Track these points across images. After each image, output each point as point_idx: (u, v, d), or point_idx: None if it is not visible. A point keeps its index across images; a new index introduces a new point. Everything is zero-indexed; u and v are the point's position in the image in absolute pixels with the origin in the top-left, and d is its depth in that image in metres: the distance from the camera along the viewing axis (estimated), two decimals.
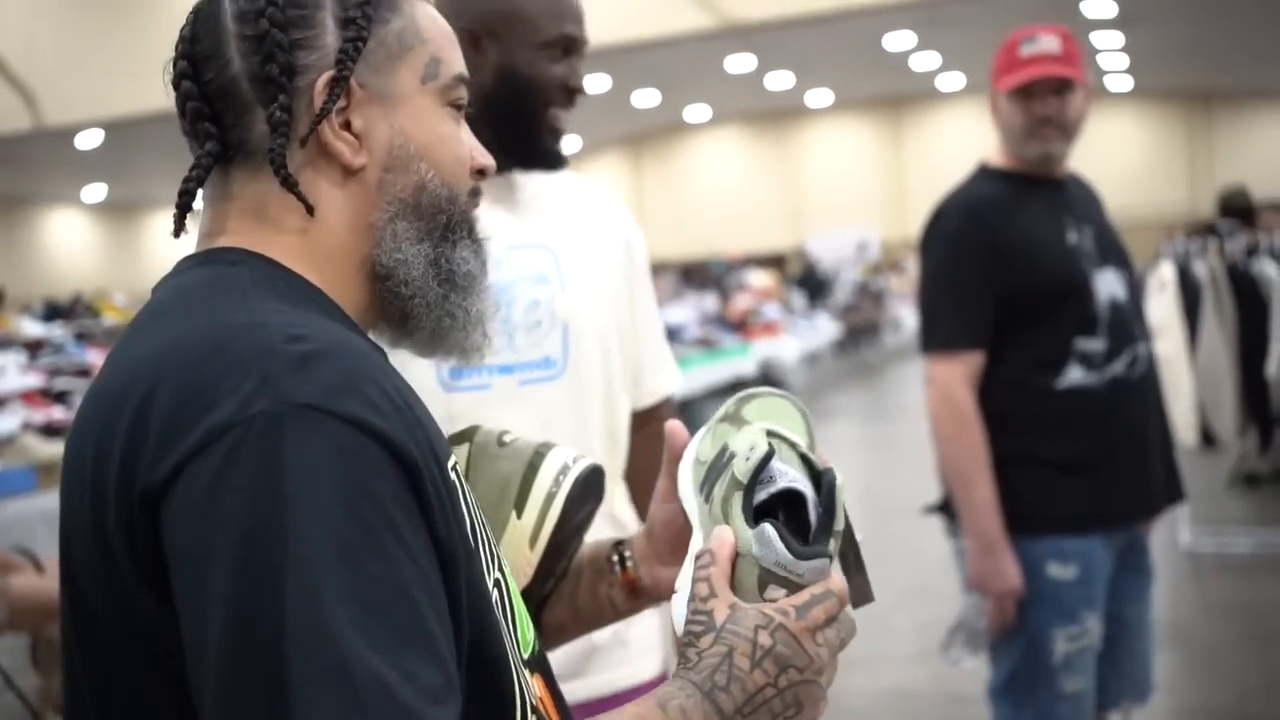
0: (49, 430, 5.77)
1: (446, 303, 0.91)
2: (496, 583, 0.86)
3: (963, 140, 19.96)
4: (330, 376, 0.74)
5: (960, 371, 2.35)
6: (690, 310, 12.16)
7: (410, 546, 0.73)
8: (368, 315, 0.91)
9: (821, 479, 0.90)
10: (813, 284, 17.96)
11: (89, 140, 17.79)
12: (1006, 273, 2.33)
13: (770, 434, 0.95)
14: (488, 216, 1.53)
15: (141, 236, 25.13)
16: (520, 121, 1.55)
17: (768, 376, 13.54)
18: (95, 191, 24.04)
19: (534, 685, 0.89)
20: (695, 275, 16.79)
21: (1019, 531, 2.32)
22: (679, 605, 0.89)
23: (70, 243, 25.06)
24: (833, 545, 0.88)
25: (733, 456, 0.93)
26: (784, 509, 0.91)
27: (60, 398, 6.28)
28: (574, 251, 1.62)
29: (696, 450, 1.00)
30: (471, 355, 0.94)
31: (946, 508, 2.49)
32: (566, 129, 1.59)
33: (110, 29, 14.18)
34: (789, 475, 0.91)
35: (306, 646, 0.68)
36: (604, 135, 25.16)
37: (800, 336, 14.48)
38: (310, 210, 0.86)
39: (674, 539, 1.05)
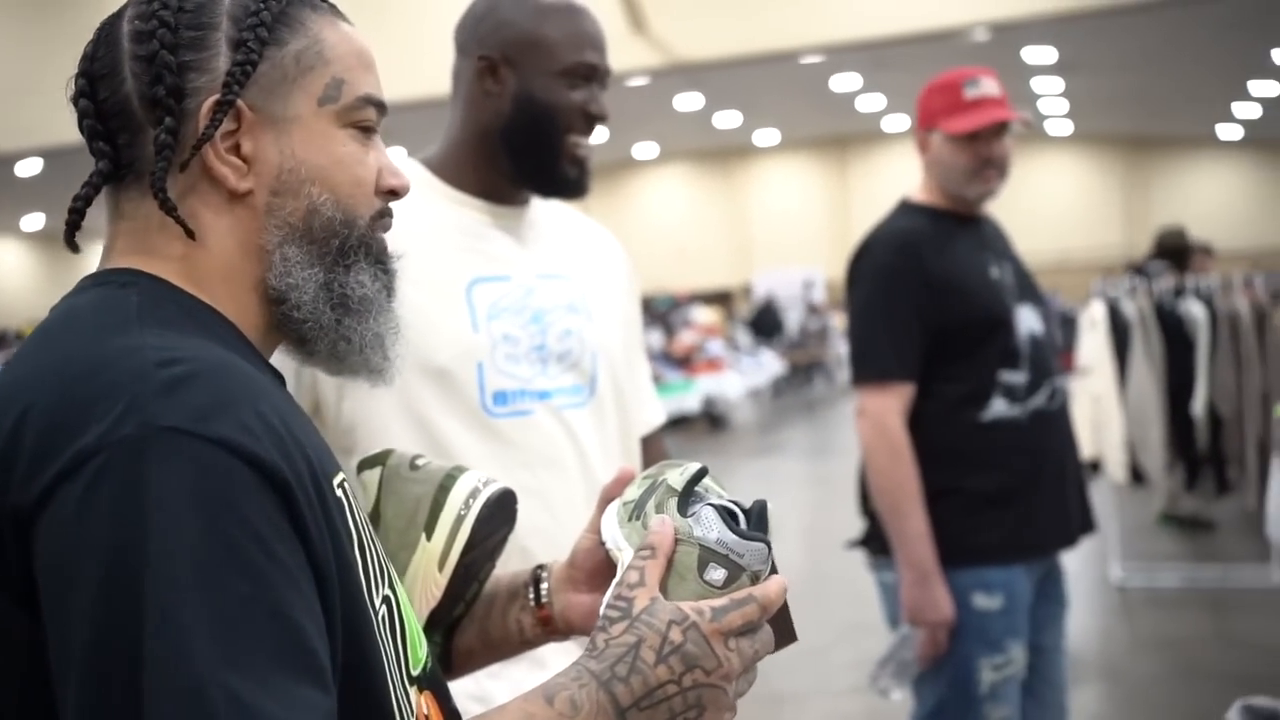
0: None
1: (340, 327, 0.90)
2: (386, 599, 0.86)
3: (906, 180, 20.31)
4: (199, 399, 0.75)
5: (893, 403, 2.38)
6: None
7: (285, 564, 0.74)
8: (269, 336, 0.91)
9: (750, 509, 0.91)
10: (767, 322, 18.05)
11: (28, 169, 17.56)
12: (936, 305, 2.38)
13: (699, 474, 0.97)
14: (512, 247, 1.57)
15: (80, 266, 24.70)
16: (539, 149, 1.55)
17: (711, 412, 13.61)
18: (34, 220, 23.71)
19: (421, 702, 0.88)
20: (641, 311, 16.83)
21: (945, 563, 2.35)
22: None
23: (9, 272, 24.70)
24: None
25: (663, 481, 0.95)
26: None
27: None
28: (594, 283, 1.65)
29: (622, 496, 1.02)
30: (375, 377, 0.93)
31: (868, 541, 2.53)
32: (590, 156, 1.59)
33: (51, 57, 14.03)
34: (719, 495, 0.93)
35: (162, 670, 0.68)
36: None
37: (745, 373, 14.56)
38: (191, 235, 0.86)
39: (594, 569, 1.07)
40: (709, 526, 0.88)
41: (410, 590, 0.99)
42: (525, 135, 1.54)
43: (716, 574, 0.87)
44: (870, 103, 21.72)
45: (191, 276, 0.87)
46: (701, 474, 0.93)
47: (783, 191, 27.62)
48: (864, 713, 4.19)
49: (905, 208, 2.54)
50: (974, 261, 2.44)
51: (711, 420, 13.67)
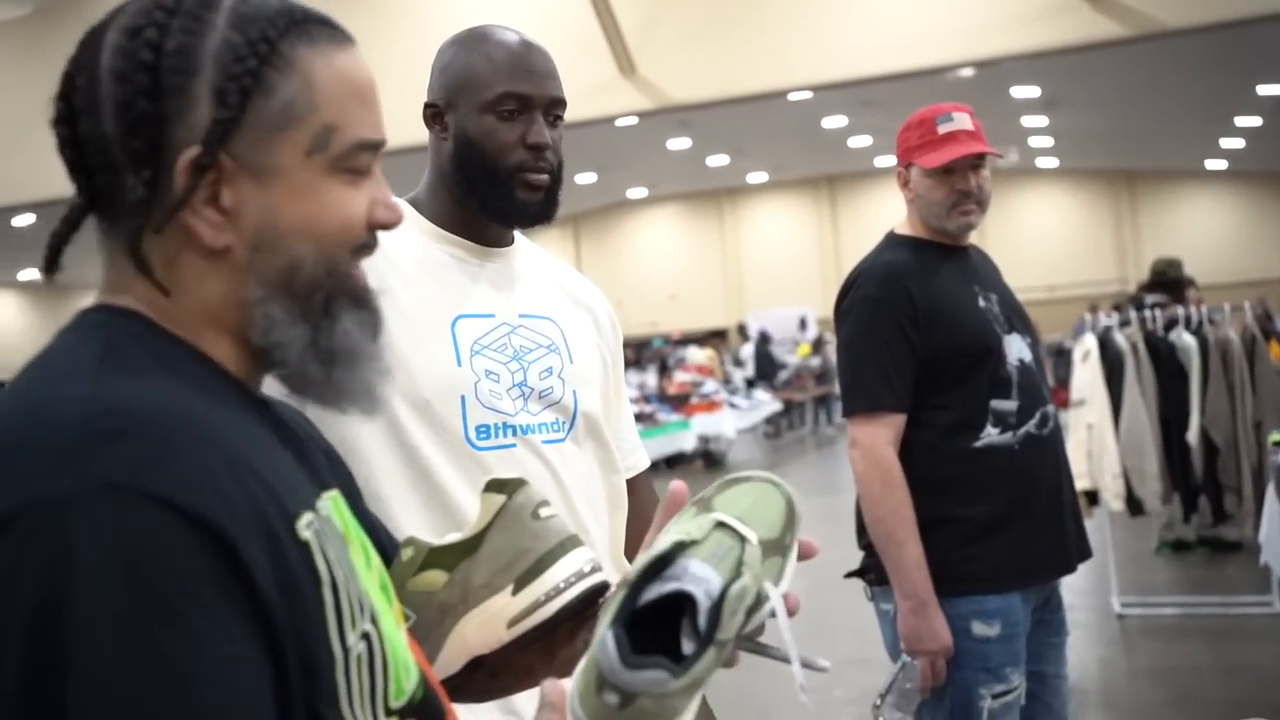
0: None
1: (329, 380, 0.87)
2: (365, 635, 0.83)
3: (896, 216, 20.54)
4: (136, 452, 0.72)
5: (884, 433, 2.40)
6: (630, 387, 12.30)
7: (222, 621, 0.71)
8: (250, 368, 0.87)
9: (718, 600, 0.89)
10: (764, 365, 18.05)
11: (23, 221, 17.67)
12: (925, 336, 2.40)
13: (721, 525, 0.95)
14: (495, 286, 1.60)
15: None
16: (485, 185, 1.56)
17: (709, 451, 13.62)
18: (30, 272, 23.87)
19: None
20: (635, 352, 16.88)
21: (942, 591, 2.36)
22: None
23: (6, 323, 24.86)
24: (711, 655, 0.88)
25: (649, 557, 0.92)
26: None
27: None
28: (573, 324, 1.67)
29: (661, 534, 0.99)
30: (360, 414, 0.91)
31: (866, 572, 2.53)
32: (551, 185, 1.58)
33: (42, 112, 14.15)
34: (694, 577, 0.90)
35: None
36: None
37: (740, 412, 14.59)
38: (165, 292, 0.82)
39: None
40: (604, 650, 0.86)
41: (466, 627, 0.98)
42: (468, 173, 1.57)
43: (611, 698, 0.86)
44: (859, 141, 21.91)
45: (173, 317, 0.83)
46: (661, 561, 0.90)
47: (774, 230, 27.77)
48: None
49: (891, 240, 2.57)
50: (961, 291, 2.47)
51: (708, 459, 13.68)
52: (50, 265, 0.85)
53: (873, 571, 2.50)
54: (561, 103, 1.59)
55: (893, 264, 2.48)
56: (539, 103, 1.57)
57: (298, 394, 0.89)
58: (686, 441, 12.58)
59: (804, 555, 1.02)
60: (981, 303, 2.47)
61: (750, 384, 16.83)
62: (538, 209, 1.58)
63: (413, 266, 1.56)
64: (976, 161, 2.45)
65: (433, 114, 1.61)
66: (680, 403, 13.10)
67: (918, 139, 2.48)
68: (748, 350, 19.14)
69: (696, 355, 16.30)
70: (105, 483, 0.70)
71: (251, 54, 0.82)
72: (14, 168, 14.78)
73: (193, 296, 0.83)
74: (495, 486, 1.04)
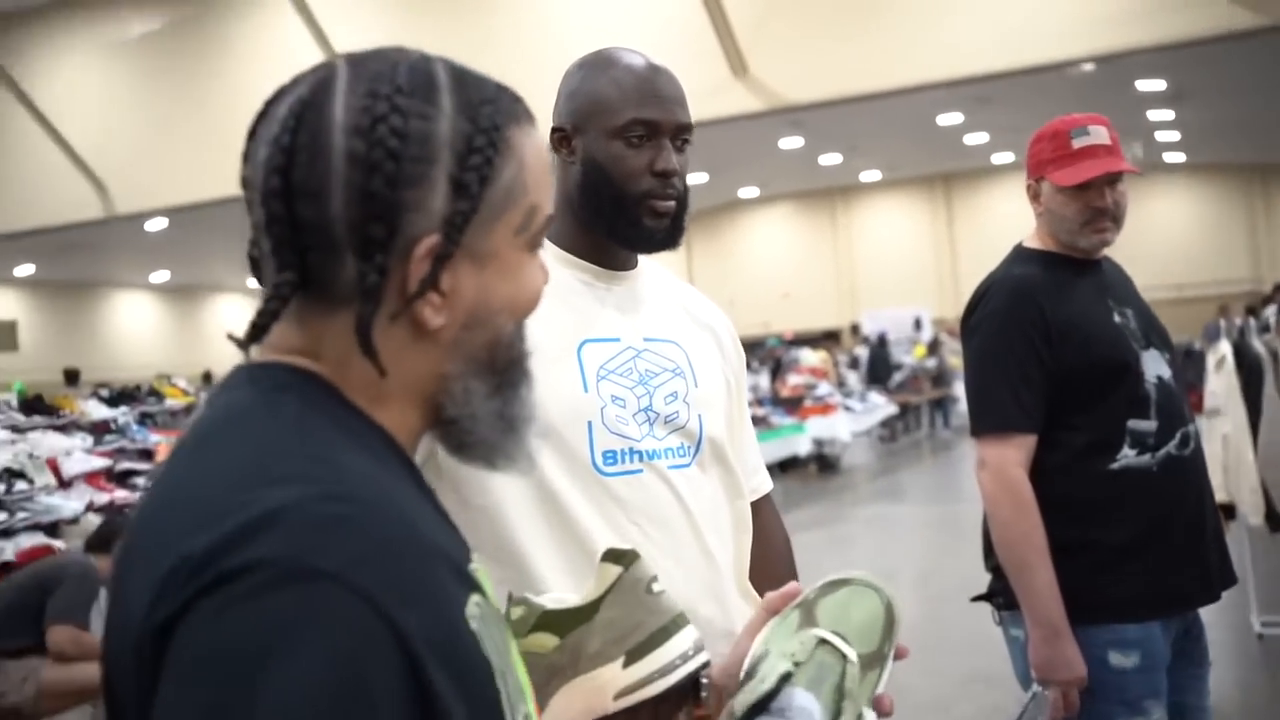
0: (111, 510, 5.88)
1: (505, 444, 0.89)
2: (526, 716, 0.84)
3: (1013, 216, 20.08)
4: (354, 544, 0.72)
5: (1014, 455, 2.32)
6: None
7: None
8: (419, 434, 0.89)
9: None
10: (879, 366, 17.79)
11: (156, 226, 18.42)
12: (1059, 353, 2.32)
13: (823, 642, 0.97)
14: (621, 310, 1.61)
15: (202, 317, 26.01)
16: (611, 211, 1.56)
17: (823, 455, 13.48)
18: (161, 275, 24.86)
19: None
20: (747, 353, 16.76)
21: (1077, 619, 2.27)
22: None
23: (141, 324, 25.98)
24: None
25: (762, 660, 0.98)
26: None
27: (123, 479, 6.41)
28: (697, 347, 1.68)
29: (765, 633, 1.04)
30: (522, 472, 0.93)
31: (993, 596, 2.45)
32: (678, 211, 1.58)
33: (177, 120, 14.71)
34: (799, 710, 0.93)
35: None
36: None
37: (855, 415, 14.41)
38: (383, 373, 0.82)
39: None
40: None
41: (572, 692, 0.99)
42: (594, 199, 1.57)
43: None
44: (975, 138, 21.47)
45: (355, 387, 0.83)
46: (772, 694, 0.94)
47: (887, 229, 27.39)
48: None
49: (1020, 254, 2.48)
50: (1095, 307, 2.37)
51: (822, 463, 13.53)
52: (253, 340, 0.84)
53: (1001, 595, 2.42)
54: (689, 128, 1.59)
55: (1023, 278, 2.39)
56: (667, 129, 1.57)
57: (466, 456, 0.90)
58: (800, 445, 12.47)
59: (898, 657, 1.05)
60: (1117, 318, 2.37)
61: (865, 386, 16.61)
62: (665, 235, 1.59)
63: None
64: (1114, 177, 2.35)
65: (560, 138, 1.61)
66: (794, 405, 12.99)
67: (1051, 152, 2.39)
68: (864, 351, 18.90)
69: (810, 357, 16.13)
70: (318, 570, 0.71)
71: (488, 143, 0.83)
72: (147, 175, 15.39)
73: (391, 374, 0.83)
74: (612, 557, 1.05)
